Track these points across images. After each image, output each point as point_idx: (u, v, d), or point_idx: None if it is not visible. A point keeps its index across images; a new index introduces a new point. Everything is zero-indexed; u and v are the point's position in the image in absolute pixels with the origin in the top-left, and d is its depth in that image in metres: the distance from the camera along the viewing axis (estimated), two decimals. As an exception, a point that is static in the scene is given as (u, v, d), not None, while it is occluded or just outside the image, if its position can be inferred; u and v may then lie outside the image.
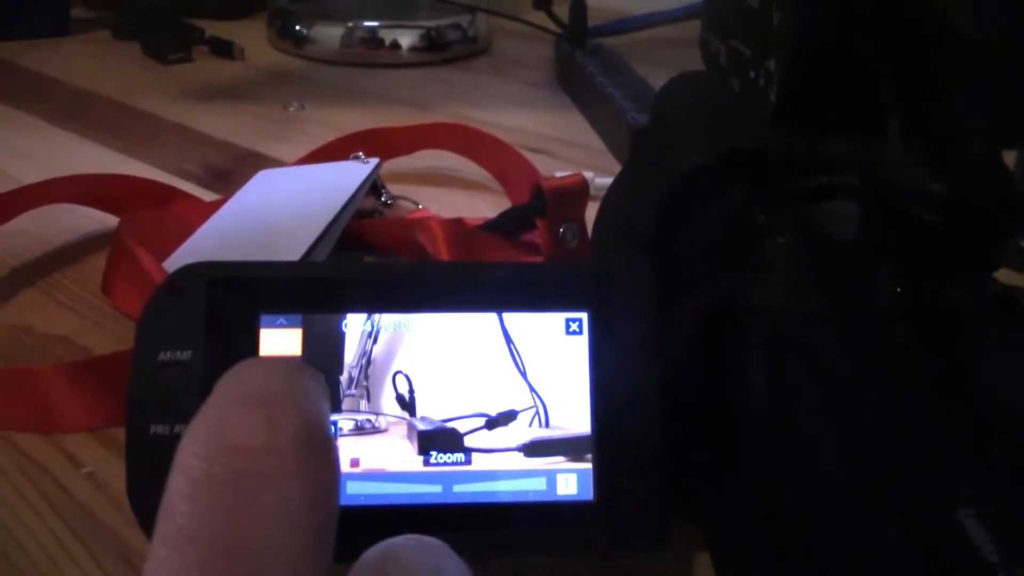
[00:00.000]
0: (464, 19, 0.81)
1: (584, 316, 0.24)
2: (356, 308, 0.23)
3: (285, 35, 0.81)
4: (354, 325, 0.23)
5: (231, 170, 0.54)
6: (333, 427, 0.23)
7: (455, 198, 0.51)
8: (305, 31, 0.79)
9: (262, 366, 0.17)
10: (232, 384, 0.16)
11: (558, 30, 0.75)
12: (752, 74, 0.23)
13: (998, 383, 0.19)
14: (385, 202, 0.48)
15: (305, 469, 0.15)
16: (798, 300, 0.22)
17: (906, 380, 0.18)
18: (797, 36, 0.21)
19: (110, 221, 0.43)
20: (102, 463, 0.29)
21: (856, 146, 0.22)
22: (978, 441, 0.17)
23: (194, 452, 0.15)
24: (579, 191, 0.39)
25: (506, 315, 0.24)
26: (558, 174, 0.49)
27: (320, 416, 0.16)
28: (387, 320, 0.23)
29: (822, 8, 0.20)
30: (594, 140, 0.61)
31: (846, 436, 0.18)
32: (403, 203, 0.48)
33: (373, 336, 0.23)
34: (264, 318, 0.23)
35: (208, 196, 0.48)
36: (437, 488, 0.23)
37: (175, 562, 0.14)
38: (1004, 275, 0.42)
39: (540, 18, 0.77)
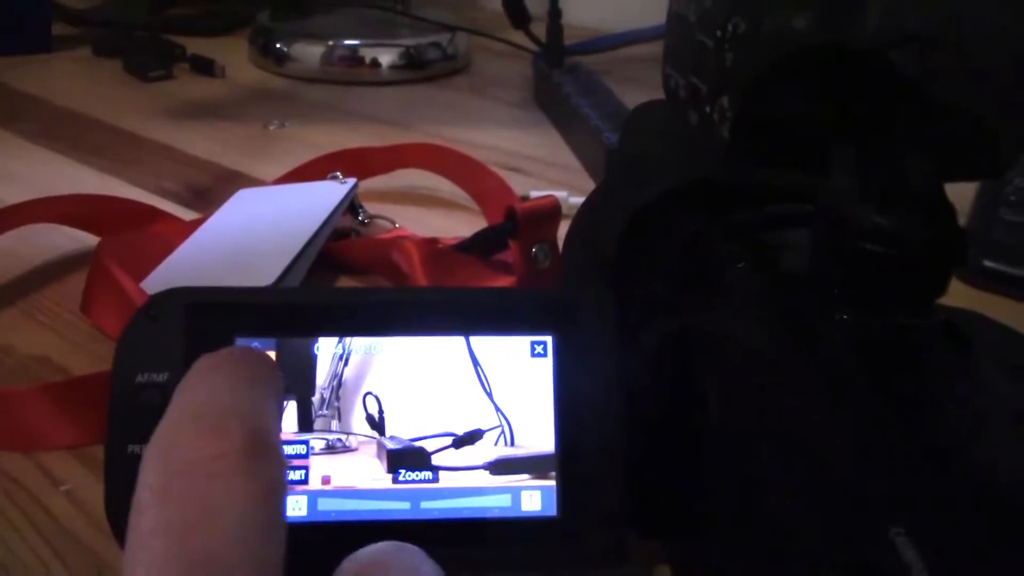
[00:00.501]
0: (444, 38, 0.83)
1: (549, 339, 0.25)
2: (327, 332, 0.24)
3: (266, 53, 0.81)
4: (326, 348, 0.24)
5: (211, 189, 0.55)
6: (305, 447, 0.24)
7: (432, 217, 0.52)
8: (286, 49, 0.80)
9: (210, 382, 0.18)
10: (184, 399, 0.18)
11: (536, 49, 0.77)
12: (707, 109, 0.24)
13: (938, 406, 0.20)
14: (362, 221, 0.48)
15: (251, 469, 0.16)
16: (752, 325, 0.23)
17: (849, 404, 0.20)
18: (748, 77, 0.22)
19: (90, 241, 0.43)
20: (80, 481, 0.30)
21: (808, 179, 0.23)
22: (916, 462, 0.18)
23: (153, 467, 0.17)
24: (551, 213, 0.40)
25: (473, 338, 0.25)
26: (533, 193, 0.51)
27: (263, 424, 0.18)
28: (358, 343, 0.24)
29: (772, 52, 0.21)
30: (570, 158, 0.62)
31: (788, 457, 0.19)
32: (380, 222, 0.49)
33: (344, 359, 0.24)
34: (239, 341, 0.24)
35: (188, 215, 0.49)
36: (405, 505, 0.24)
37: (145, 554, 0.15)
38: (966, 293, 0.44)
39: (519, 37, 0.78)
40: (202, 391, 0.18)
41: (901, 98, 0.20)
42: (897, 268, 0.21)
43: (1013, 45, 0.18)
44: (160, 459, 0.17)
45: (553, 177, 0.59)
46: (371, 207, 0.50)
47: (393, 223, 0.49)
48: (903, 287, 0.21)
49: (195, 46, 0.83)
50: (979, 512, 0.16)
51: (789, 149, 0.22)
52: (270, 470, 0.17)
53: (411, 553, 0.19)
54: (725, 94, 0.23)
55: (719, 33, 0.23)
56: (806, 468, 0.18)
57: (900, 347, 0.21)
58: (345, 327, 0.24)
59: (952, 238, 0.21)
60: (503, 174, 0.52)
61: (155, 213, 0.47)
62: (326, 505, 0.23)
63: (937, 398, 0.20)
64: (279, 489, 0.17)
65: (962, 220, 0.47)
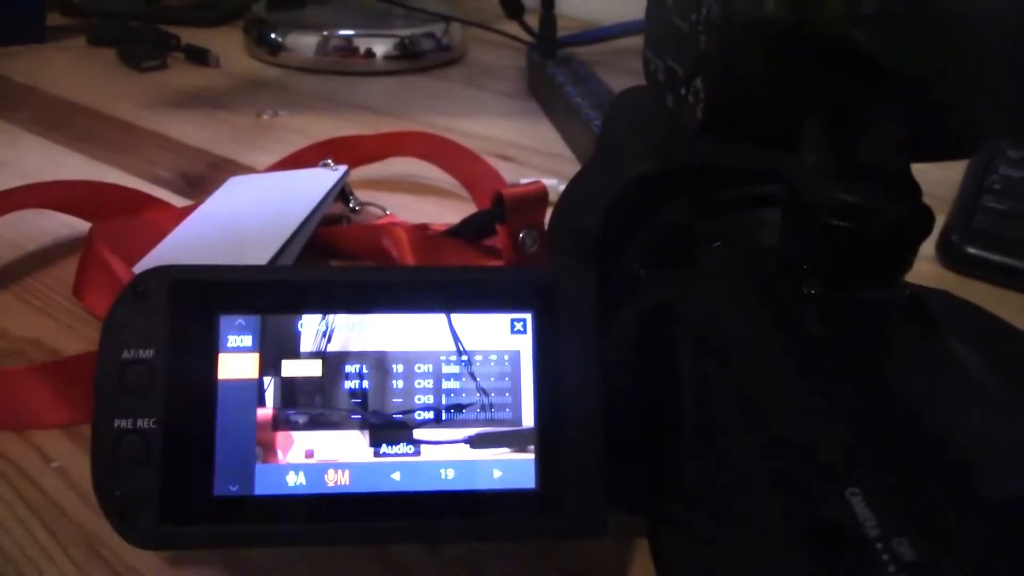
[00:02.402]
0: (438, 28, 0.83)
1: (528, 316, 0.25)
2: (311, 310, 0.25)
3: (261, 43, 0.82)
4: (309, 325, 0.25)
5: (205, 177, 0.55)
6: (288, 420, 0.24)
7: (423, 205, 0.53)
8: (280, 39, 0.80)
9: None
10: None
11: (530, 40, 0.77)
12: (683, 91, 0.24)
13: (899, 375, 0.20)
14: (353, 208, 0.49)
15: None
16: (724, 299, 0.24)
17: (814, 373, 0.20)
18: (720, 59, 0.22)
19: (82, 227, 0.44)
20: (71, 458, 0.31)
21: (779, 158, 0.24)
22: (876, 428, 0.19)
23: None
24: (538, 198, 0.41)
25: (454, 316, 0.25)
26: (522, 181, 0.51)
27: None
28: (341, 321, 0.25)
29: (742, 34, 0.22)
30: (561, 148, 0.63)
31: (754, 424, 0.19)
32: (371, 209, 0.50)
33: (327, 336, 0.25)
34: (223, 319, 0.24)
35: (181, 202, 0.49)
36: (387, 478, 0.24)
37: None
38: (950, 280, 0.44)
39: (513, 28, 0.78)
40: None
41: (866, 76, 0.21)
42: (863, 243, 0.21)
43: (977, 22, 0.19)
44: None
45: (545, 166, 0.59)
46: (362, 195, 0.50)
47: (384, 210, 0.50)
48: (869, 262, 0.22)
49: (190, 36, 0.83)
50: (933, 474, 0.17)
51: (758, 128, 0.23)
52: None
53: None
54: (699, 76, 0.23)
55: (694, 16, 0.23)
56: (769, 434, 0.19)
57: (865, 319, 0.21)
58: (328, 305, 0.25)
59: (916, 214, 0.21)
60: (495, 163, 0.52)
61: (147, 199, 0.47)
62: (310, 478, 0.24)
63: (899, 367, 0.20)
64: None
65: (947, 208, 0.48)
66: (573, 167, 0.59)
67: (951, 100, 0.19)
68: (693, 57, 0.24)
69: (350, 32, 0.80)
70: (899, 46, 0.18)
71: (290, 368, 0.25)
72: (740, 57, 0.22)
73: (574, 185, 0.34)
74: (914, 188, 0.22)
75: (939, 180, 0.49)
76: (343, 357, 0.25)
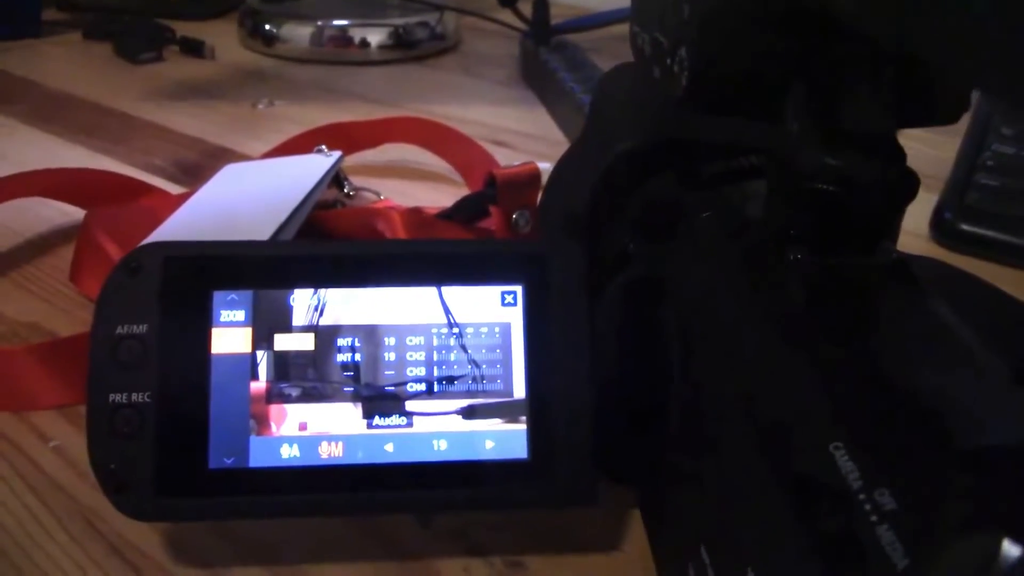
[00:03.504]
0: (432, 17, 0.83)
1: (519, 289, 0.26)
2: (303, 284, 0.25)
3: (255, 34, 0.82)
4: (301, 300, 0.25)
5: (200, 165, 0.56)
6: (281, 393, 0.24)
7: (417, 189, 0.53)
8: (275, 30, 0.81)
9: None
10: None
11: (524, 27, 0.77)
12: (668, 62, 0.25)
13: (883, 336, 0.21)
14: (347, 193, 0.49)
15: None
16: (710, 267, 0.24)
17: (800, 337, 0.20)
18: (703, 26, 0.22)
19: (78, 214, 0.44)
20: (68, 437, 0.31)
21: (764, 127, 0.24)
22: (862, 388, 0.19)
23: None
24: (530, 179, 0.41)
25: (445, 289, 0.25)
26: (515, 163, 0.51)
27: None
28: (333, 295, 0.25)
29: (726, 2, 0.22)
30: (556, 133, 0.63)
31: (741, 388, 0.20)
32: (365, 194, 0.50)
33: (319, 310, 0.25)
34: (216, 294, 0.25)
35: (177, 190, 0.49)
36: (380, 449, 0.24)
37: None
38: (945, 257, 0.44)
39: (508, 16, 0.78)
40: None
41: (850, 41, 0.21)
42: (847, 208, 0.21)
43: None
44: None
45: (539, 151, 0.59)
46: (357, 180, 0.50)
47: (378, 195, 0.50)
48: (853, 226, 0.22)
49: (185, 29, 0.83)
50: (914, 428, 0.17)
51: (743, 97, 0.23)
52: None
53: None
54: (683, 45, 0.23)
55: (677, -14, 0.24)
56: (754, 394, 0.19)
57: (850, 283, 0.22)
58: (320, 279, 0.25)
59: (900, 178, 0.21)
60: (491, 149, 0.53)
61: (143, 187, 0.47)
62: (304, 450, 0.24)
63: (883, 329, 0.20)
64: None
65: (940, 185, 0.48)
66: (567, 151, 0.59)
67: (936, 61, 0.19)
68: (677, 27, 0.24)
69: (344, 22, 0.80)
70: (881, 9, 0.18)
71: (283, 342, 0.25)
72: (723, 25, 0.22)
73: (563, 164, 0.34)
74: (899, 152, 0.22)
75: (932, 157, 0.49)
76: (335, 330, 0.25)
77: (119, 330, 0.24)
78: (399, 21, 0.81)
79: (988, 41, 0.15)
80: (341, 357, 0.25)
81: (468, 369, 0.25)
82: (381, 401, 0.25)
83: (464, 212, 0.43)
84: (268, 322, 0.25)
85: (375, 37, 0.80)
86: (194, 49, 0.80)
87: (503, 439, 0.25)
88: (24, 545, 0.27)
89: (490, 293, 0.26)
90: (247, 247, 0.26)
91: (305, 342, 0.25)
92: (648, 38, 0.27)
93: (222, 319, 0.25)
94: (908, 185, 0.22)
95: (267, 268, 0.25)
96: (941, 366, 0.19)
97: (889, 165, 0.22)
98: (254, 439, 0.24)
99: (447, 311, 0.25)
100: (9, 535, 0.27)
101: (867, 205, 0.22)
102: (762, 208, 0.25)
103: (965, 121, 0.42)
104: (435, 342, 0.25)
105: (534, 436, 0.25)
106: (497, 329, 0.25)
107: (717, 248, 0.24)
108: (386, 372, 0.25)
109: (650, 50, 0.27)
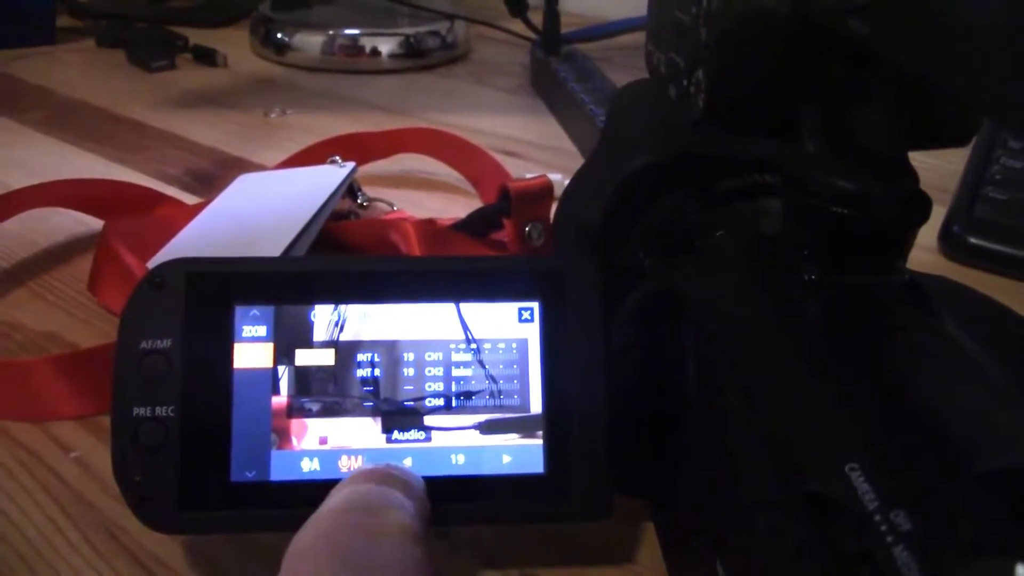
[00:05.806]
0: (443, 26, 0.83)
1: (535, 305, 0.26)
2: (323, 300, 0.25)
3: (267, 43, 0.82)
4: (322, 315, 0.25)
5: (214, 175, 0.56)
6: (302, 407, 0.25)
7: (430, 200, 0.53)
8: (287, 39, 0.81)
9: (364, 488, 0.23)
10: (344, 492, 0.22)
11: (534, 37, 0.77)
12: (685, 82, 0.25)
13: (897, 355, 0.21)
14: (361, 204, 0.49)
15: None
16: (725, 285, 0.24)
17: (814, 357, 0.21)
18: (720, 50, 0.23)
19: (96, 224, 0.45)
20: (89, 448, 0.31)
21: (779, 147, 0.24)
22: (877, 409, 0.19)
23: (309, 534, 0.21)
24: (544, 192, 0.42)
25: (463, 305, 0.26)
26: (527, 176, 0.52)
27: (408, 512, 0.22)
28: (352, 311, 0.25)
29: (742, 25, 0.22)
30: (566, 143, 0.63)
31: (757, 407, 0.20)
32: (379, 205, 0.50)
33: (340, 325, 0.25)
34: (238, 309, 0.25)
35: (191, 199, 0.50)
36: (399, 463, 0.25)
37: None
38: (952, 270, 0.45)
39: (517, 25, 0.79)
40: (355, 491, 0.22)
41: (863, 65, 0.21)
42: (860, 229, 0.22)
43: (970, 9, 0.19)
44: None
45: (549, 161, 0.60)
46: (370, 191, 0.51)
47: (392, 206, 0.50)
48: (867, 247, 0.22)
49: (198, 37, 0.84)
50: (929, 450, 0.17)
51: (759, 117, 0.24)
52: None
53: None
54: (700, 67, 0.24)
55: (694, 9, 0.24)
56: (770, 414, 0.20)
57: (863, 303, 0.22)
58: (340, 295, 0.26)
59: (913, 200, 0.22)
60: (500, 159, 0.53)
61: (159, 197, 0.48)
62: (323, 464, 0.25)
63: (896, 349, 0.21)
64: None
65: (948, 199, 0.48)
66: (577, 162, 0.59)
67: (946, 87, 0.20)
68: (694, 49, 0.24)
69: (356, 31, 0.81)
70: (894, 34, 0.18)
71: (304, 357, 0.25)
72: (740, 48, 0.23)
73: (578, 178, 0.34)
74: (911, 174, 0.23)
75: (940, 171, 0.49)
76: (355, 346, 0.25)
77: (143, 345, 0.25)
78: (410, 30, 0.82)
79: (994, 72, 0.16)
80: (361, 372, 0.25)
81: (486, 384, 0.26)
82: (400, 416, 0.25)
83: (477, 224, 0.43)
84: (289, 337, 0.25)
85: (386, 46, 0.80)
86: (206, 57, 0.80)
87: (520, 454, 0.25)
88: (47, 556, 0.27)
89: (508, 310, 0.26)
90: (269, 263, 0.27)
91: (326, 357, 0.25)
92: (664, 58, 0.27)
93: (244, 334, 0.25)
94: (921, 207, 0.22)
95: (288, 284, 0.26)
96: (956, 387, 0.20)
97: (902, 187, 0.22)
98: (275, 453, 0.25)
99: (465, 327, 0.26)
100: (32, 546, 0.27)
101: (880, 226, 0.22)
102: (777, 226, 0.25)
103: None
104: (453, 358, 0.26)
105: (550, 451, 0.25)
106: (514, 345, 0.26)
107: (733, 267, 0.25)
108: (405, 387, 0.25)
109: (666, 70, 0.27)
